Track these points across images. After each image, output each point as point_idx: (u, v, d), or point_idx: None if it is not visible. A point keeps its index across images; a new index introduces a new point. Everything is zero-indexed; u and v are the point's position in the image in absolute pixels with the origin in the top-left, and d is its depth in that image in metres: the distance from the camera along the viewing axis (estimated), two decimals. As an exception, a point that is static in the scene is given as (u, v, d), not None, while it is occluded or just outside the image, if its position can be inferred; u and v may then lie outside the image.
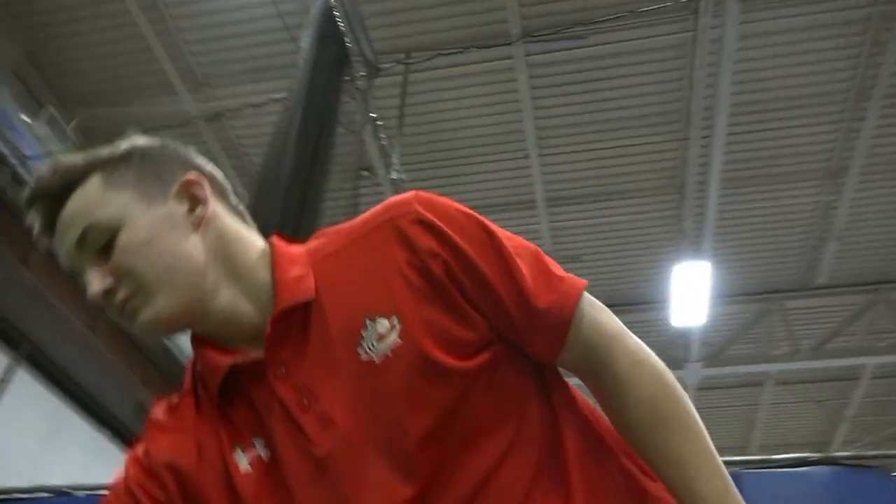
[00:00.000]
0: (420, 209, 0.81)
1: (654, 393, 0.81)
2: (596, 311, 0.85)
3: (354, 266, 0.79)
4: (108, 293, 0.77)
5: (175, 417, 0.84)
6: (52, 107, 5.25)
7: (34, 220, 0.81)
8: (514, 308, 0.79)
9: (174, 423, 0.83)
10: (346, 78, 4.12)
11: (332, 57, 3.87)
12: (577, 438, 0.81)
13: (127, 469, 0.83)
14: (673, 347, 7.66)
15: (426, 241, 0.78)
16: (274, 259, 0.82)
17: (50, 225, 0.80)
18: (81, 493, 3.60)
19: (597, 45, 5.22)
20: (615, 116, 5.73)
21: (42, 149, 4.90)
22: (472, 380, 0.77)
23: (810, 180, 6.16)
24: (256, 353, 0.78)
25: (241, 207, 0.91)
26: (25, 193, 0.81)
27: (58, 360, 6.26)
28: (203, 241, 0.81)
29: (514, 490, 0.76)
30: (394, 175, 5.04)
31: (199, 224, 0.81)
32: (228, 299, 0.80)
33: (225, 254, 0.82)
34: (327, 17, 3.85)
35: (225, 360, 0.79)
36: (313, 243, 0.85)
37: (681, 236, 6.55)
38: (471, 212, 0.85)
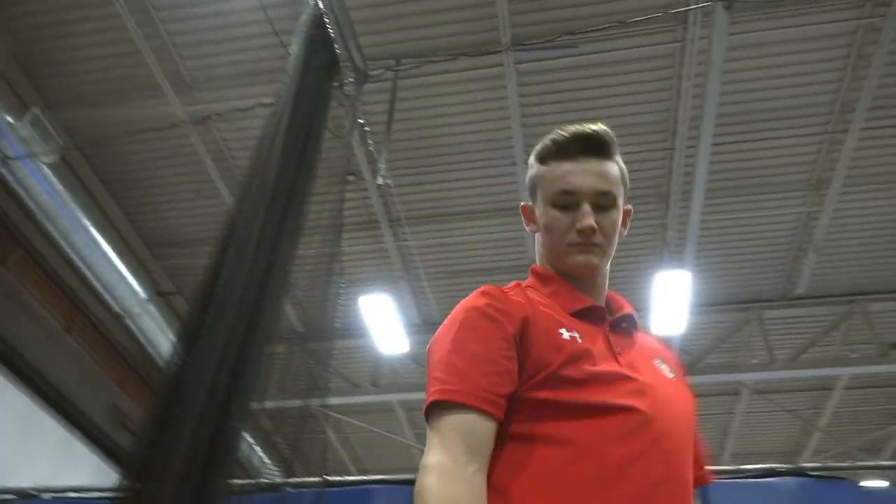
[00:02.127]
0: None
1: None
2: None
3: None
4: (591, 231, 1.19)
5: (516, 294, 1.19)
6: (37, 108, 5.16)
7: (574, 141, 1.23)
8: None
9: (518, 296, 1.18)
10: (336, 84, 4.09)
11: (322, 63, 3.85)
12: None
13: (496, 299, 1.15)
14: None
15: None
16: None
17: (582, 152, 1.23)
18: (47, 496, 3.53)
19: (586, 54, 5.25)
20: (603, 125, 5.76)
21: (26, 150, 4.82)
22: None
23: (793, 191, 6.23)
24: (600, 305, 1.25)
25: None
26: (576, 132, 1.24)
27: (32, 359, 6.16)
28: None
29: None
30: (380, 180, 5.03)
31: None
32: (604, 277, 1.29)
33: None
34: (317, 23, 3.82)
35: (588, 300, 1.23)
36: None
37: (663, 245, 6.60)
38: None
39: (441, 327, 1.19)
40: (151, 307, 6.41)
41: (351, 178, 6.13)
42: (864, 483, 3.06)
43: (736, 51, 5.10)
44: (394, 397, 8.42)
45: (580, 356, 1.10)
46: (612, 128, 5.19)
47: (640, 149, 5.92)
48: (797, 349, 7.43)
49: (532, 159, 1.30)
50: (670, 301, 6.47)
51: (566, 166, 1.22)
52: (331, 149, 4.06)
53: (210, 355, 2.20)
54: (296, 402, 3.14)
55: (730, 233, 6.69)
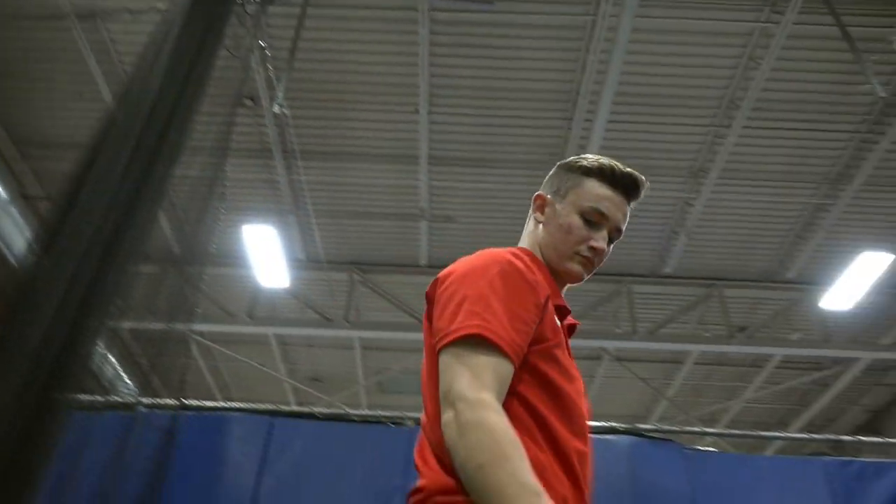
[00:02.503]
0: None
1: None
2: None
3: None
4: (601, 252, 1.41)
5: (537, 270, 1.33)
6: None
7: (628, 178, 1.43)
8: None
9: (540, 273, 1.33)
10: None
11: (226, -27, 3.63)
12: None
13: (529, 269, 1.27)
14: (529, 315, 8.04)
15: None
16: None
17: (625, 191, 1.43)
18: None
19: (502, 12, 5.25)
20: (509, 86, 5.82)
21: None
22: None
23: (675, 176, 6.59)
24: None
25: None
26: (631, 175, 1.43)
27: None
28: None
29: None
30: (277, 108, 4.87)
31: None
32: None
33: None
34: (226, -71, 3.58)
35: (563, 300, 1.42)
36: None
37: (552, 212, 6.82)
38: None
39: (469, 265, 1.24)
40: (13, 210, 5.97)
41: (248, 102, 5.91)
42: (690, 447, 3.37)
43: (641, 33, 5.26)
44: (270, 330, 8.35)
45: (561, 344, 1.28)
46: (518, 91, 5.29)
47: (540, 115, 6.05)
48: (657, 323, 7.96)
49: (573, 165, 1.44)
50: (549, 266, 6.73)
51: (608, 192, 1.39)
52: (226, 68, 3.87)
53: (69, 259, 2.07)
54: (161, 323, 3.05)
55: (613, 208, 7.00)
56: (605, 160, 1.40)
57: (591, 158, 1.42)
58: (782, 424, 10.20)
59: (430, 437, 1.19)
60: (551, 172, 1.52)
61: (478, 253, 1.29)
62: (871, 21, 5.09)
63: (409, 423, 3.36)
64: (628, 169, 1.42)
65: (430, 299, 1.29)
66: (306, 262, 7.77)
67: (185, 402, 3.09)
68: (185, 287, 3.49)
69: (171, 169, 2.97)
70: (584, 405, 1.31)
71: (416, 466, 1.21)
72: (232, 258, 7.45)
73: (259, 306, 7.97)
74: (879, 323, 8.26)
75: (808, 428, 9.90)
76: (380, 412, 3.47)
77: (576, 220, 1.37)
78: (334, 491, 3.05)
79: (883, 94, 5.05)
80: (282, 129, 6.22)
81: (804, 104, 5.86)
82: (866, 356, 8.26)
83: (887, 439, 3.97)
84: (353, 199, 7.02)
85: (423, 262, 7.79)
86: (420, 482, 1.16)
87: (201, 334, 8.46)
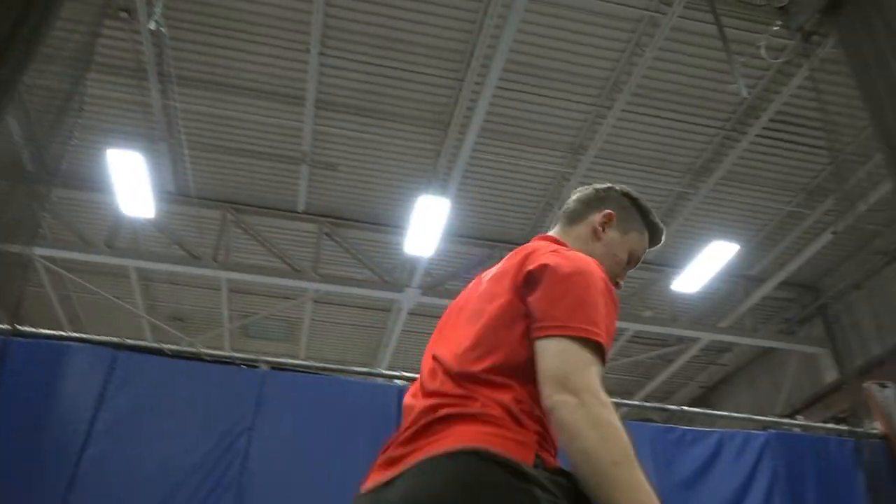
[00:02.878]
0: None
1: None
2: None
3: None
4: (625, 276, 1.64)
5: None
6: None
7: (661, 235, 1.69)
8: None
9: None
10: None
11: None
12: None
13: (613, 291, 1.40)
14: (399, 271, 8.10)
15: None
16: None
17: (651, 242, 1.67)
18: None
19: (403, -40, 5.14)
20: (405, 38, 5.73)
21: None
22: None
23: (555, 150, 6.79)
24: None
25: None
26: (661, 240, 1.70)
27: None
28: None
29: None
30: (153, 25, 4.54)
31: None
32: None
33: None
34: None
35: None
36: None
37: (433, 171, 6.86)
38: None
39: (578, 265, 1.36)
40: None
41: (123, 14, 5.49)
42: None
43: (538, 4, 5.33)
44: (130, 263, 7.91)
45: None
46: (414, 44, 5.21)
47: (433, 72, 6.01)
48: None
49: (644, 211, 1.68)
50: (427, 224, 6.80)
51: (646, 245, 1.67)
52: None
53: None
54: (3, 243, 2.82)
55: (493, 174, 7.13)
56: (657, 218, 1.70)
57: (656, 216, 1.70)
58: (627, 394, 10.95)
59: (489, 375, 1.27)
60: (623, 199, 1.68)
61: (576, 253, 1.43)
62: (745, 25, 5.41)
63: (263, 366, 3.31)
64: (663, 225, 1.74)
65: (528, 273, 1.36)
66: (176, 195, 7.39)
67: (20, 327, 2.88)
68: (33, 204, 3.23)
69: (18, 73, 2.72)
70: None
71: (444, 393, 1.28)
72: (93, 182, 6.96)
73: (120, 237, 7.53)
74: (720, 307, 9.00)
75: (648, 399, 10.68)
76: (234, 353, 3.38)
77: (622, 257, 1.61)
78: (175, 429, 2.97)
79: (746, 95, 5.40)
80: (160, 49, 5.82)
81: (679, 95, 6.18)
82: (706, 337, 8.98)
83: (712, 412, 4.36)
84: (232, 134, 6.72)
85: (300, 207, 7.63)
86: (474, 407, 1.23)
87: (52, 260, 7.90)
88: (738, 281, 8.60)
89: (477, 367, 1.28)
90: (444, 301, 8.02)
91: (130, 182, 6.46)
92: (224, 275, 7.76)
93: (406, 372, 3.50)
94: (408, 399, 1.39)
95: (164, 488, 2.81)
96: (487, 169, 7.06)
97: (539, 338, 1.26)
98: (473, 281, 1.59)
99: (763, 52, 5.10)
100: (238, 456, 2.98)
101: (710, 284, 8.41)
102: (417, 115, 6.43)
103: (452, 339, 1.40)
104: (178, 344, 8.62)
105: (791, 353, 9.29)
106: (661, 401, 10.54)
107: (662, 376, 10.41)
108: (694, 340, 9.29)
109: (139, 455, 2.89)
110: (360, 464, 3.06)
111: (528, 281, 1.35)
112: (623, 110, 6.22)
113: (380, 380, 3.37)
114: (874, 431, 3.88)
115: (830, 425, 4.25)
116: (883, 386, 4.02)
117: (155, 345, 3.25)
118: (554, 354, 1.23)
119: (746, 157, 6.76)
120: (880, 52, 3.57)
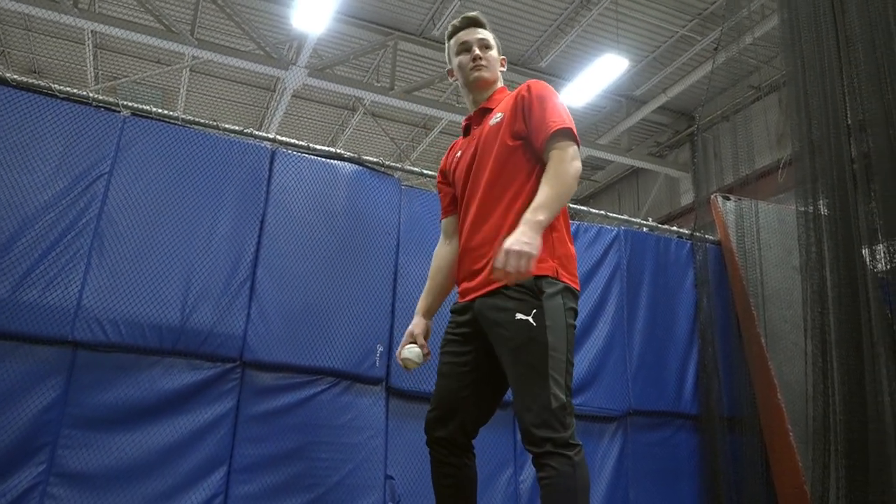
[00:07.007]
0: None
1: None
2: (561, 146, 2.08)
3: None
4: (478, 57, 2.23)
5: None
6: None
7: (464, 24, 2.30)
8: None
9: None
10: None
11: None
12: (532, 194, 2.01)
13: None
14: (285, 47, 7.64)
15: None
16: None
17: (468, 27, 2.29)
18: None
19: None
20: None
21: None
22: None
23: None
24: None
25: None
26: (464, 17, 2.31)
27: None
28: None
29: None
30: None
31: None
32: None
33: None
34: None
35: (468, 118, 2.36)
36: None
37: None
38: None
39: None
40: None
41: None
42: (407, 184, 3.61)
43: None
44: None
45: None
46: None
47: None
48: (415, 84, 8.10)
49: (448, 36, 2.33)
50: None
51: (458, 36, 2.29)
52: None
53: None
54: None
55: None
56: (453, 23, 2.31)
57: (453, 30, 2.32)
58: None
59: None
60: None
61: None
62: None
63: (126, 112, 3.09)
64: (463, 16, 2.30)
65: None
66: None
67: None
68: None
69: None
70: None
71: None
72: None
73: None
74: (601, 125, 9.29)
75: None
76: (92, 95, 3.11)
77: (455, 61, 2.29)
78: (23, 165, 2.78)
79: None
80: None
81: None
82: (584, 153, 9.33)
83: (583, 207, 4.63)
84: None
85: (177, -41, 6.85)
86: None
87: None
88: (621, 101, 8.82)
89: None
90: (332, 85, 7.73)
91: None
92: (88, 25, 6.99)
93: (281, 136, 3.41)
94: None
95: (10, 224, 2.68)
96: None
97: None
98: None
99: None
100: (96, 199, 2.86)
101: (596, 101, 8.59)
102: None
103: None
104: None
105: (657, 175, 9.90)
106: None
107: (537, 187, 10.84)
108: (572, 155, 9.62)
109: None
110: (226, 220, 3.05)
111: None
112: None
113: (252, 141, 3.27)
114: (710, 238, 4.30)
115: (675, 228, 4.66)
116: (727, 199, 4.39)
117: (-2, 74, 2.91)
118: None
119: (653, -30, 6.65)
120: None
